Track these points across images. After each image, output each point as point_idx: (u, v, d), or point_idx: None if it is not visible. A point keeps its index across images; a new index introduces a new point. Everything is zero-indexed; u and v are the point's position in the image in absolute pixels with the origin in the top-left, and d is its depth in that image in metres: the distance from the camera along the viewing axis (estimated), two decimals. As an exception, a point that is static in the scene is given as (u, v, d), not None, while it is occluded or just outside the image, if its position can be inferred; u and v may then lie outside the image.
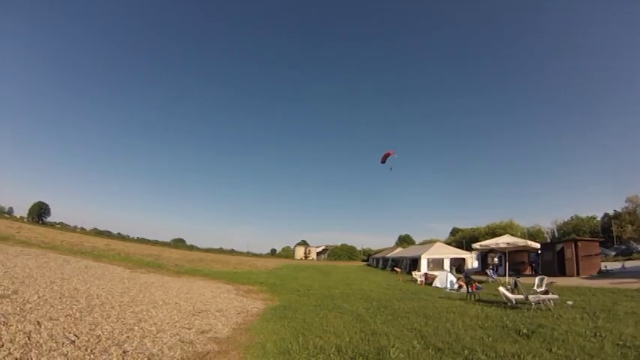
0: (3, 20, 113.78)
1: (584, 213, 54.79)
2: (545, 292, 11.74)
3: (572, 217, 56.10)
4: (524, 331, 7.71)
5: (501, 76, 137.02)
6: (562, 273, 25.02)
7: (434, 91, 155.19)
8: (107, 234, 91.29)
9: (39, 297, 7.85)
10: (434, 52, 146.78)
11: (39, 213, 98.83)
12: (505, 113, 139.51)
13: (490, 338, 7.26)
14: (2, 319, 5.73)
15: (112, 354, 5.18)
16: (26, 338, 5.15)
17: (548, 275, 15.55)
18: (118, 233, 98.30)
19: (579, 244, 25.17)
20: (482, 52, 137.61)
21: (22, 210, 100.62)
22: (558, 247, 27.49)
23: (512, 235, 33.26)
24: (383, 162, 19.69)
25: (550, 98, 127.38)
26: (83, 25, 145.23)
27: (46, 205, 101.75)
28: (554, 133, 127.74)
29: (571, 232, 50.19)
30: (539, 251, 28.97)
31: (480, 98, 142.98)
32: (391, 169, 20.12)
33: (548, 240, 50.34)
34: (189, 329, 7.37)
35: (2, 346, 4.71)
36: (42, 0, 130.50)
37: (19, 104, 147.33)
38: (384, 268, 49.72)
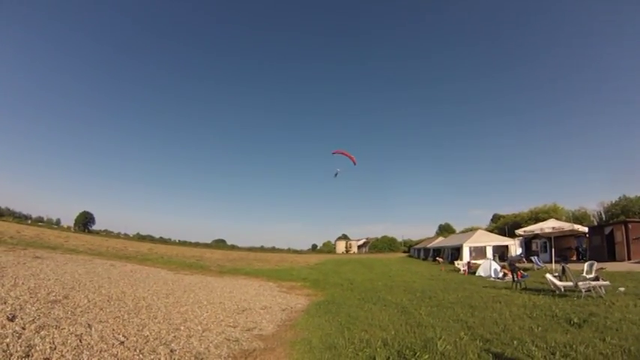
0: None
1: (633, 193, 51.10)
2: (596, 279, 11.13)
3: (620, 198, 52.44)
4: (575, 320, 7.40)
5: (534, 51, 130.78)
6: (612, 258, 23.74)
7: (466, 73, 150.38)
8: (149, 238, 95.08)
9: (88, 301, 8.04)
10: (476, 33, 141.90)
11: (84, 222, 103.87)
12: (543, 91, 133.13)
13: (540, 328, 7.00)
14: (55, 323, 5.85)
15: (160, 353, 5.19)
16: (78, 340, 5.22)
17: (597, 260, 14.73)
18: (160, 237, 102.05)
19: (630, 226, 23.66)
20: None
21: (68, 220, 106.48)
22: (607, 230, 26.05)
23: (557, 219, 31.67)
24: (333, 153, 18.63)
25: (590, 74, 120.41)
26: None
27: (91, 215, 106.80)
28: (596, 110, 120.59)
29: (620, 214, 47.01)
30: (587, 235, 27.43)
31: (515, 75, 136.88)
32: (336, 175, 18.86)
33: (595, 223, 47.68)
34: (234, 327, 7.37)
35: (55, 348, 4.77)
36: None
37: (61, 122, 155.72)
38: (425, 258, 49.23)
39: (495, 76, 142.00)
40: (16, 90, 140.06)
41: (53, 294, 8.20)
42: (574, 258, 28.88)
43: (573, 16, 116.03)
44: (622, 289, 11.43)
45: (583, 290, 10.57)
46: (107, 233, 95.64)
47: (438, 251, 43.87)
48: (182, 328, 6.82)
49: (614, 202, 52.83)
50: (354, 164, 18.40)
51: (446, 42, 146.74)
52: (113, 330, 6.01)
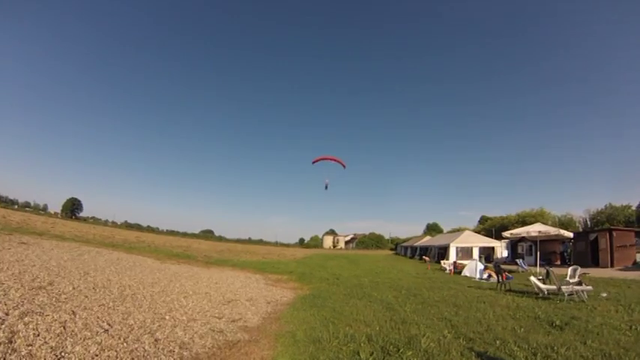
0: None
1: (619, 201, 52.28)
2: (579, 284, 11.30)
3: (605, 206, 53.54)
4: (558, 322, 7.53)
5: (528, 55, 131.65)
6: (595, 264, 24.18)
7: (461, 75, 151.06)
8: (137, 227, 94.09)
9: (73, 288, 8.00)
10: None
11: (72, 208, 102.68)
12: (535, 95, 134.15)
13: (522, 329, 7.11)
14: (38, 310, 5.83)
15: (145, 342, 5.20)
16: (61, 327, 5.21)
17: (581, 266, 14.95)
18: (148, 226, 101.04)
19: (614, 233, 24.11)
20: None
21: (56, 206, 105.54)
22: (592, 236, 26.50)
23: (543, 223, 32.17)
24: (314, 162, 17.05)
25: (582, 80, 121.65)
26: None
27: (79, 201, 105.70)
28: (586, 119, 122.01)
29: (605, 222, 48.06)
30: (572, 241, 27.94)
31: (509, 79, 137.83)
32: (326, 187, 17.49)
33: (581, 229, 48.51)
34: (219, 318, 7.39)
35: (39, 335, 4.76)
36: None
37: (50, 108, 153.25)
38: (412, 256, 49.57)
39: (490, 79, 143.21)
40: (3, 77, 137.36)
41: (38, 280, 8.16)
42: (558, 262, 29.33)
43: (567, 20, 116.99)
44: (604, 294, 11.58)
45: (566, 294, 10.74)
46: (95, 220, 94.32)
47: (425, 250, 44.29)
48: (167, 317, 6.83)
49: (600, 209, 53.94)
50: (344, 167, 17.59)
51: (443, 43, 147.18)
52: (97, 318, 6.00)
